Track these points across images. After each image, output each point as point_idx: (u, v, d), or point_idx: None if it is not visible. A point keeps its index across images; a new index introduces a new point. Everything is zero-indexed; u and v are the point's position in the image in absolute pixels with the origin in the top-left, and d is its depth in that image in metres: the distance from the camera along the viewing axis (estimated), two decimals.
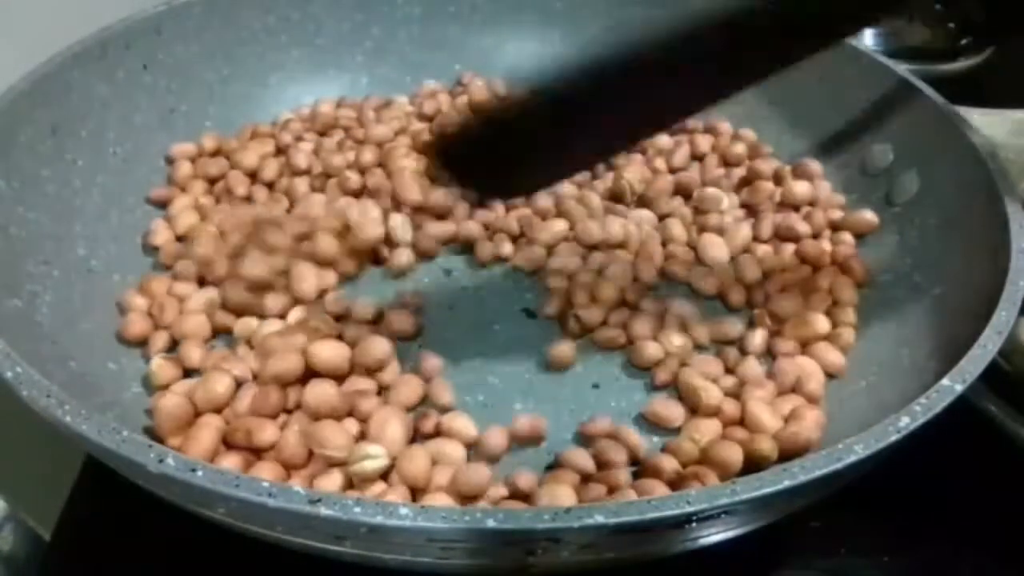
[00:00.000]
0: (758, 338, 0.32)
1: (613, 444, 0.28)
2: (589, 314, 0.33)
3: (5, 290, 0.28)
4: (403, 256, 0.35)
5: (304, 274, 0.33)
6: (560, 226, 0.37)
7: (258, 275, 0.32)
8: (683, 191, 0.39)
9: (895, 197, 0.36)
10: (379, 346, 0.30)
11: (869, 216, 0.36)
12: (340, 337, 0.31)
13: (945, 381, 0.23)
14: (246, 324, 0.32)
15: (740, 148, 0.41)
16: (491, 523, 0.19)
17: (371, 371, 0.30)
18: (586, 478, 0.27)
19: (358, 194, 0.38)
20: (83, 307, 0.31)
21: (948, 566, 0.29)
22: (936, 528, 0.30)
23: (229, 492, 0.19)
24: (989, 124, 0.38)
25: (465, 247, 0.37)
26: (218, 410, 0.28)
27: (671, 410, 0.29)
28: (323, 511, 0.19)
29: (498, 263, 0.36)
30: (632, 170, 0.39)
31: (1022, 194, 0.30)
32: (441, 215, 0.37)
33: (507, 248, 0.36)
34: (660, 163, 0.41)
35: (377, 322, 0.32)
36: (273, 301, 0.32)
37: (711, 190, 0.38)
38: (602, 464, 0.27)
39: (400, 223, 0.36)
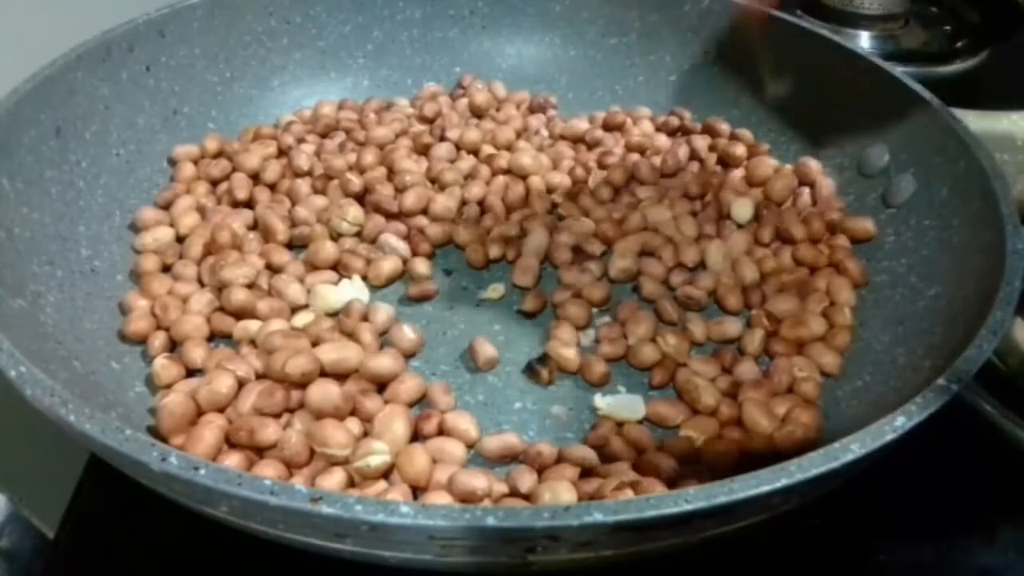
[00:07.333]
0: (755, 338, 0.32)
1: (617, 439, 0.28)
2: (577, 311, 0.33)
3: (9, 290, 0.28)
4: (420, 266, 0.36)
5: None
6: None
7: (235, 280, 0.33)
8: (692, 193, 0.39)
9: (891, 198, 0.36)
10: (387, 362, 0.30)
11: (867, 224, 0.36)
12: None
13: (940, 381, 0.23)
14: (247, 325, 0.32)
15: (739, 149, 0.41)
16: (491, 521, 0.19)
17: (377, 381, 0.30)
18: (587, 472, 0.27)
19: (360, 198, 0.38)
20: (86, 307, 0.32)
21: (946, 565, 0.29)
22: (934, 527, 0.30)
23: (231, 490, 0.20)
24: (985, 126, 0.38)
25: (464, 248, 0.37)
26: (221, 409, 0.28)
27: (669, 409, 0.29)
28: (324, 509, 0.19)
29: (497, 263, 0.36)
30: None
31: (1017, 196, 0.30)
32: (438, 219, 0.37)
33: (495, 251, 0.36)
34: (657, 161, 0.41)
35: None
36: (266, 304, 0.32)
37: (740, 200, 0.38)
38: (606, 458, 0.28)
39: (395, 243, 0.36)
